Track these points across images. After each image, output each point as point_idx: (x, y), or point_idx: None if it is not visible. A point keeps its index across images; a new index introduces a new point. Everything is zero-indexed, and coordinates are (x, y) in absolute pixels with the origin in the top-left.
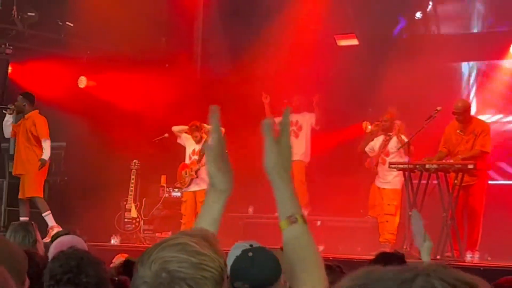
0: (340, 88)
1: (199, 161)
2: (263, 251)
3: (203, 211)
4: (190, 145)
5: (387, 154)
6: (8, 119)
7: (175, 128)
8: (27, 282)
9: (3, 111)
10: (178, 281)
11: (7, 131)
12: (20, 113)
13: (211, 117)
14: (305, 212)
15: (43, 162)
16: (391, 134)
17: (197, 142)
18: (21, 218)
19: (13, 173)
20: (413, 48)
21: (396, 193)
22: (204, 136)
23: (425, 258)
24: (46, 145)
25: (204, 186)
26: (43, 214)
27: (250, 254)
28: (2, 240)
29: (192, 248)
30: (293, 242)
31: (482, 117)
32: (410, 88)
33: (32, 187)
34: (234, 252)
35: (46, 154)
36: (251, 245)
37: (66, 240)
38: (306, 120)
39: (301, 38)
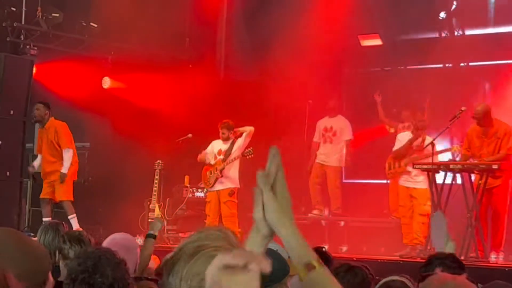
0: (364, 88)
1: (224, 160)
2: (269, 251)
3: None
4: (216, 147)
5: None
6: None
7: (201, 158)
8: (51, 282)
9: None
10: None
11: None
12: (39, 122)
13: (271, 160)
14: (339, 211)
15: (62, 176)
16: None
17: (224, 140)
18: (44, 219)
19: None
20: (437, 49)
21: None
22: (232, 136)
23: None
24: (67, 156)
25: (228, 184)
26: (69, 217)
27: None
28: (22, 238)
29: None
30: None
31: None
32: (433, 89)
33: (63, 190)
34: None
35: (66, 166)
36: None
37: (119, 237)
38: (340, 126)
39: (325, 38)
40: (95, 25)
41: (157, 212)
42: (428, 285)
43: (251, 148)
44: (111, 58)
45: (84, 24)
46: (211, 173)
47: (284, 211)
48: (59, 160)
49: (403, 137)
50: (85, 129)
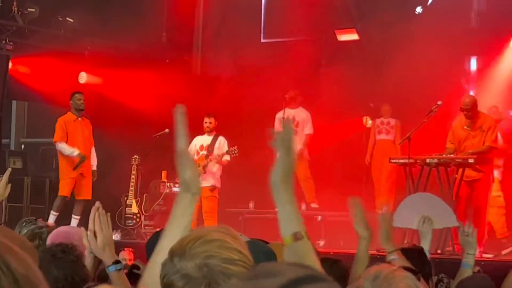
0: (340, 82)
1: (207, 156)
2: (258, 243)
3: (177, 215)
4: (198, 142)
5: None
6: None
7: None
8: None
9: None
10: (221, 277)
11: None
12: (80, 111)
13: (178, 122)
14: (316, 206)
15: (95, 173)
16: None
17: (208, 132)
18: (74, 216)
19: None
20: (414, 43)
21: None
22: (213, 129)
23: (426, 244)
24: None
25: (211, 181)
26: (76, 216)
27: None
28: (5, 233)
29: (231, 246)
30: (298, 259)
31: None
32: (411, 83)
33: (90, 189)
34: None
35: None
36: None
37: (62, 230)
38: (302, 117)
39: (302, 33)
40: (71, 20)
41: (134, 207)
42: (366, 274)
43: (235, 147)
44: (88, 53)
45: (60, 19)
46: None
47: (290, 175)
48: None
49: None
50: None
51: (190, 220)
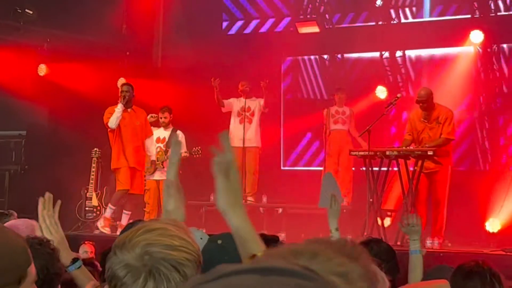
0: (302, 76)
1: (166, 152)
2: (230, 237)
3: None
4: (155, 134)
5: None
6: (121, 109)
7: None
8: (32, 278)
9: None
10: (162, 263)
11: (118, 122)
12: (127, 103)
13: (172, 152)
14: (251, 199)
15: (154, 164)
16: None
17: (165, 125)
18: (125, 211)
19: (119, 166)
20: (374, 36)
21: None
22: (169, 123)
23: (333, 222)
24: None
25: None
26: (114, 207)
27: (220, 242)
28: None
29: (172, 232)
30: None
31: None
32: (370, 75)
33: (142, 184)
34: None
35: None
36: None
37: (10, 224)
38: (256, 105)
39: (263, 25)
40: (31, 12)
41: (95, 200)
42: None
43: (199, 147)
44: (47, 45)
45: (20, 10)
46: (151, 164)
47: (236, 197)
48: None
49: None
50: (21, 117)
51: None
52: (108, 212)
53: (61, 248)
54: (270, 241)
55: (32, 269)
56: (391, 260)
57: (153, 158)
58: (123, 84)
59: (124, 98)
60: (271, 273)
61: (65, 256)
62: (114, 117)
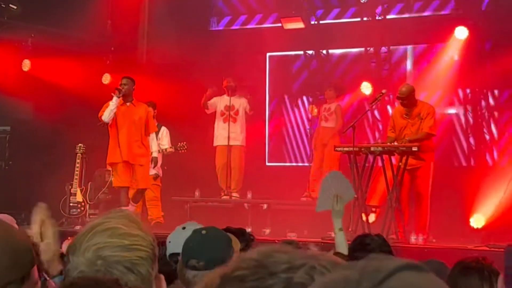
0: (287, 72)
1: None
2: (215, 230)
3: None
4: None
5: None
6: (116, 103)
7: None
8: (34, 277)
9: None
10: (115, 266)
11: (112, 115)
12: (124, 97)
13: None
14: (236, 195)
15: (155, 160)
16: None
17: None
18: (123, 208)
19: (114, 161)
20: (359, 32)
21: None
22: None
23: (337, 222)
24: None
25: (152, 171)
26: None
27: (204, 232)
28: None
29: (122, 231)
30: None
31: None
32: (355, 72)
33: (148, 178)
34: (177, 234)
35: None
36: (184, 228)
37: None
38: (241, 104)
39: (248, 22)
40: (15, 7)
41: (79, 196)
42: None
43: (184, 142)
44: (31, 40)
45: (3, 5)
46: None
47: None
48: (143, 142)
49: None
50: (5, 112)
51: None
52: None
53: (53, 258)
54: (236, 233)
55: (35, 271)
56: (389, 252)
57: (155, 154)
58: (122, 77)
59: (120, 92)
60: (422, 269)
61: (56, 266)
62: (108, 110)
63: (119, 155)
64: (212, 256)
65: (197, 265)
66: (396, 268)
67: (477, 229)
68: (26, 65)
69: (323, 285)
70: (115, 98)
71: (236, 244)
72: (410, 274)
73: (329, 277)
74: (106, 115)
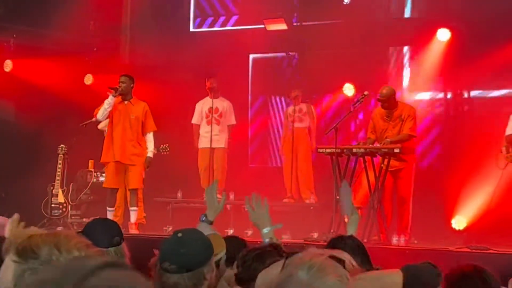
0: (269, 73)
1: None
2: (193, 232)
3: None
4: None
5: None
6: (110, 101)
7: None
8: None
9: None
10: None
11: (106, 114)
12: (122, 95)
13: None
14: (218, 196)
15: (148, 160)
16: None
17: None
18: (109, 209)
19: (106, 160)
20: (341, 34)
21: None
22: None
23: (352, 229)
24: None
25: None
26: (133, 208)
27: (180, 234)
28: None
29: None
30: None
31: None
32: (338, 73)
33: (139, 178)
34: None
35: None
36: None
37: None
38: (224, 107)
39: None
40: None
41: (61, 197)
42: (297, 262)
43: (167, 144)
44: (14, 41)
45: None
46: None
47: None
48: (139, 140)
49: None
50: None
51: None
52: (108, 216)
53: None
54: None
55: None
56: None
57: (149, 154)
58: (121, 75)
59: (116, 91)
60: (123, 267)
61: None
62: (102, 109)
63: (111, 154)
64: (185, 260)
65: (169, 268)
66: (96, 266)
67: (459, 230)
68: (8, 65)
69: (30, 285)
70: (110, 97)
71: (219, 247)
72: (111, 272)
73: (35, 277)
74: (101, 113)
